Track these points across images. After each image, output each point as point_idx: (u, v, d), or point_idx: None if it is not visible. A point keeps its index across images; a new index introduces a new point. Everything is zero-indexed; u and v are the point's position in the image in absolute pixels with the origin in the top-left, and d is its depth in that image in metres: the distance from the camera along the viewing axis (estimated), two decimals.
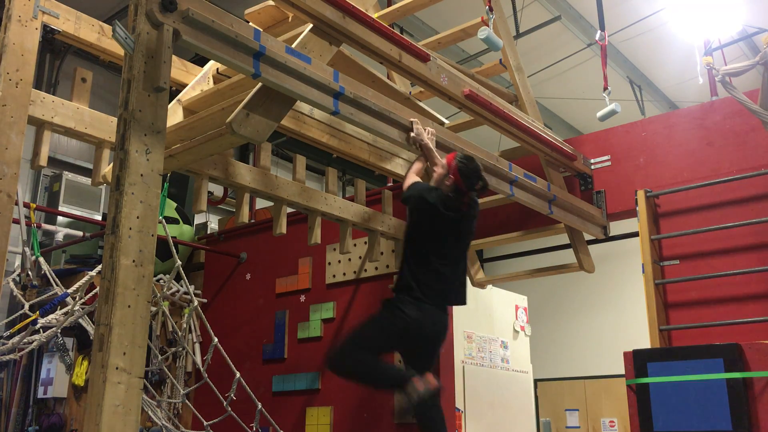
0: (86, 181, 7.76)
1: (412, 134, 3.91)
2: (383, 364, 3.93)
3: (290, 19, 4.07)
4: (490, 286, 6.58)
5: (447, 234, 3.98)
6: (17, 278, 6.15)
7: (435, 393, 3.73)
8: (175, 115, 4.09)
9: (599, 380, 10.76)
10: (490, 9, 4.61)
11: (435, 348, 4.03)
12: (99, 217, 7.43)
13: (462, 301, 4.13)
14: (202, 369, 5.59)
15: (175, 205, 7.61)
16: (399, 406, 3.90)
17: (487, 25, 4.56)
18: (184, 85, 4.34)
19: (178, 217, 7.47)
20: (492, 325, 6.76)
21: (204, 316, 5.81)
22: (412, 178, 4.10)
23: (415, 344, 3.91)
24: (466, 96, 4.31)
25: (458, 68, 4.63)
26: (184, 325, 6.52)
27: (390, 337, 3.88)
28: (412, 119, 3.93)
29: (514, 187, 4.65)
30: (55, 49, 8.61)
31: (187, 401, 5.78)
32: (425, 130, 3.99)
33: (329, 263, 6.37)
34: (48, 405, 6.60)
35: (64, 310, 5.33)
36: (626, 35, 9.15)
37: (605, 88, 5.55)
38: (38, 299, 5.78)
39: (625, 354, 4.65)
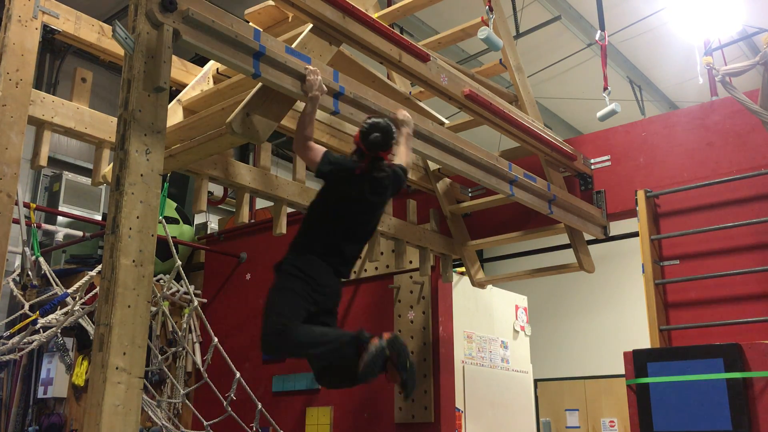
0: (86, 181, 7.75)
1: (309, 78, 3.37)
2: (331, 329, 3.58)
3: (290, 19, 4.07)
4: (490, 286, 6.58)
5: (358, 204, 3.63)
6: (17, 278, 6.16)
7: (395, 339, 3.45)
8: (175, 115, 4.09)
9: (599, 380, 10.75)
10: (490, 9, 4.61)
11: (335, 310, 3.71)
12: (99, 217, 7.43)
13: (347, 275, 3.78)
14: (202, 369, 5.60)
15: (175, 205, 7.62)
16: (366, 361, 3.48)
17: (487, 25, 4.55)
18: (184, 85, 4.35)
19: (178, 217, 7.47)
20: (492, 325, 6.75)
21: (204, 316, 5.82)
22: (316, 147, 3.57)
23: (325, 302, 3.59)
24: (466, 96, 4.31)
25: (458, 68, 4.63)
26: (184, 325, 6.52)
27: (306, 298, 3.50)
28: (307, 67, 3.37)
29: (514, 187, 4.65)
30: (55, 49, 8.62)
31: (187, 401, 5.79)
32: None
33: None
34: (48, 405, 6.60)
35: (64, 310, 5.34)
36: (626, 35, 9.15)
37: (605, 88, 5.55)
38: (38, 299, 5.78)
39: (625, 354, 4.65)
